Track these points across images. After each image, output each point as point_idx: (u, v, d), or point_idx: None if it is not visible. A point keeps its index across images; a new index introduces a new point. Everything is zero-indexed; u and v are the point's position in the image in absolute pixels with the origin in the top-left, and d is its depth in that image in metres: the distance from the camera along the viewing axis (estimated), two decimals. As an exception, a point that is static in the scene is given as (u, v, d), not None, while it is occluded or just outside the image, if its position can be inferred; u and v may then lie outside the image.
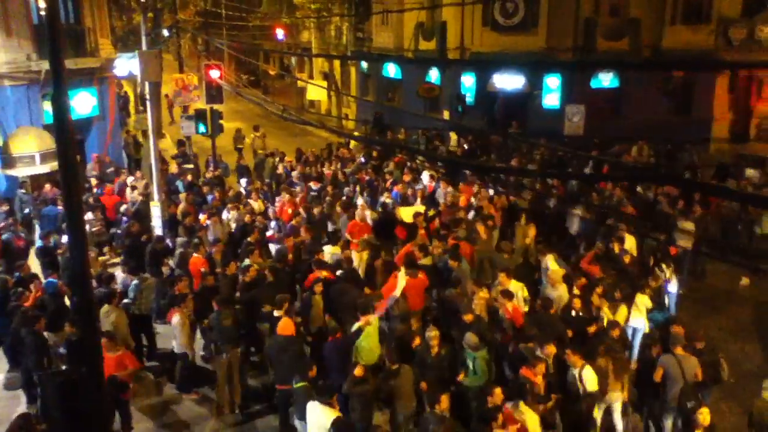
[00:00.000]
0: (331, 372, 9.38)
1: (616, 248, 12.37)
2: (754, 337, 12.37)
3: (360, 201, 15.63)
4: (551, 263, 11.73)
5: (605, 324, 9.68)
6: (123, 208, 15.92)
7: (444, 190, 16.41)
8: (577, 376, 8.41)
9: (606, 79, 26.20)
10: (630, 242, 12.75)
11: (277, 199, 16.61)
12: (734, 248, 11.58)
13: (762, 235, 15.00)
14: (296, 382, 8.34)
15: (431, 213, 14.73)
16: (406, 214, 14.56)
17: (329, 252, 12.58)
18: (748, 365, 11.15)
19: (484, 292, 10.60)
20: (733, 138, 27.92)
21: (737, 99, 28.73)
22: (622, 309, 10.31)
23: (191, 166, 20.78)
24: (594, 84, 26.12)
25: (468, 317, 9.56)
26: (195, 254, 12.36)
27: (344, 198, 16.63)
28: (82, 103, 19.86)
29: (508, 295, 10.09)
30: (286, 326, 9.34)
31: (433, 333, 8.91)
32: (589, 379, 8.42)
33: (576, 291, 10.66)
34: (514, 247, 13.07)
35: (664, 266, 12.02)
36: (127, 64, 23.24)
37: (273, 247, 13.54)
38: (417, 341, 9.32)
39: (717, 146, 26.97)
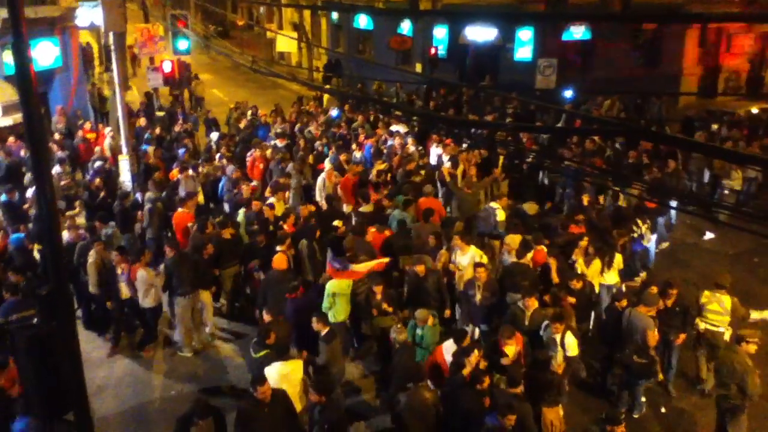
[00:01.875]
0: (295, 330, 9.31)
1: (585, 202, 12.55)
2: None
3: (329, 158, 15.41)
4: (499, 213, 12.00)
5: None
6: (97, 164, 15.54)
7: (399, 143, 16.38)
8: (558, 341, 8.33)
9: (578, 32, 26.10)
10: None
11: (248, 154, 16.31)
12: (700, 202, 11.76)
13: (731, 190, 15.30)
14: (256, 352, 8.11)
15: (385, 166, 14.68)
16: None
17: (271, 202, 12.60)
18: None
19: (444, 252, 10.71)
20: (702, 92, 28.18)
21: (706, 54, 28.92)
22: (596, 263, 10.46)
23: (162, 113, 20.22)
24: (566, 37, 26.03)
25: (420, 268, 9.59)
26: (180, 209, 12.26)
27: (315, 152, 16.50)
28: (44, 53, 19.15)
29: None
30: (280, 261, 9.90)
31: (401, 336, 8.37)
32: (570, 344, 8.35)
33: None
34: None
35: (639, 222, 12.15)
36: (89, 14, 22.47)
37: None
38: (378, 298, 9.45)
39: (686, 100, 27.24)
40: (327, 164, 15.07)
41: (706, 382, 9.45)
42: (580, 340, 9.23)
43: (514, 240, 10.58)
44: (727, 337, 9.16)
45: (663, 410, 9.28)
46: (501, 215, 12.04)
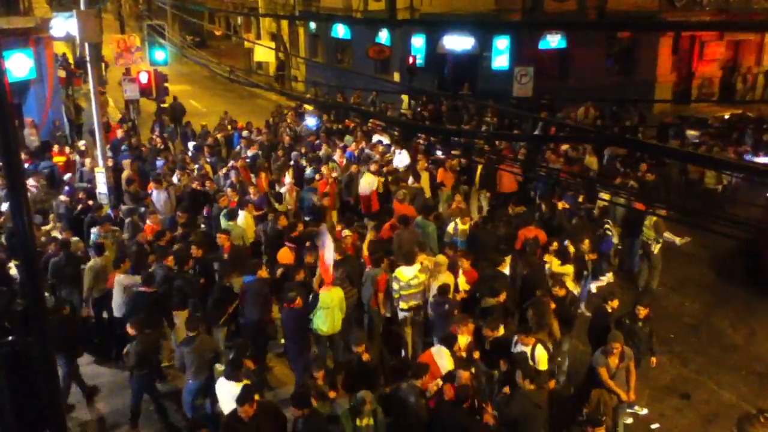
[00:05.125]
0: (287, 340, 9.41)
1: (559, 206, 12.66)
2: (691, 292, 12.85)
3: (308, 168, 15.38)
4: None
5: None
6: (67, 176, 15.34)
7: (376, 153, 16.34)
8: (528, 353, 8.10)
9: (554, 41, 26.35)
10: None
11: (230, 164, 16.13)
12: (675, 205, 11.96)
13: (704, 190, 15.57)
14: (239, 380, 7.64)
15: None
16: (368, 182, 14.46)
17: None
18: (687, 319, 11.65)
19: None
20: (676, 99, 28.62)
21: (680, 61, 29.39)
22: (568, 267, 10.50)
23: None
24: (542, 45, 26.29)
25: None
26: (148, 221, 12.18)
27: (292, 162, 16.45)
28: (18, 65, 18.98)
29: None
30: (285, 255, 10.60)
31: (360, 348, 8.15)
32: (540, 358, 8.16)
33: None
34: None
35: (607, 222, 12.27)
36: (64, 24, 22.30)
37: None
38: None
39: (660, 107, 27.61)
40: (288, 178, 14.91)
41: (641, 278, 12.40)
42: (553, 352, 9.14)
43: (442, 261, 10.12)
44: (655, 250, 12.14)
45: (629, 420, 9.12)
46: (450, 228, 11.78)
